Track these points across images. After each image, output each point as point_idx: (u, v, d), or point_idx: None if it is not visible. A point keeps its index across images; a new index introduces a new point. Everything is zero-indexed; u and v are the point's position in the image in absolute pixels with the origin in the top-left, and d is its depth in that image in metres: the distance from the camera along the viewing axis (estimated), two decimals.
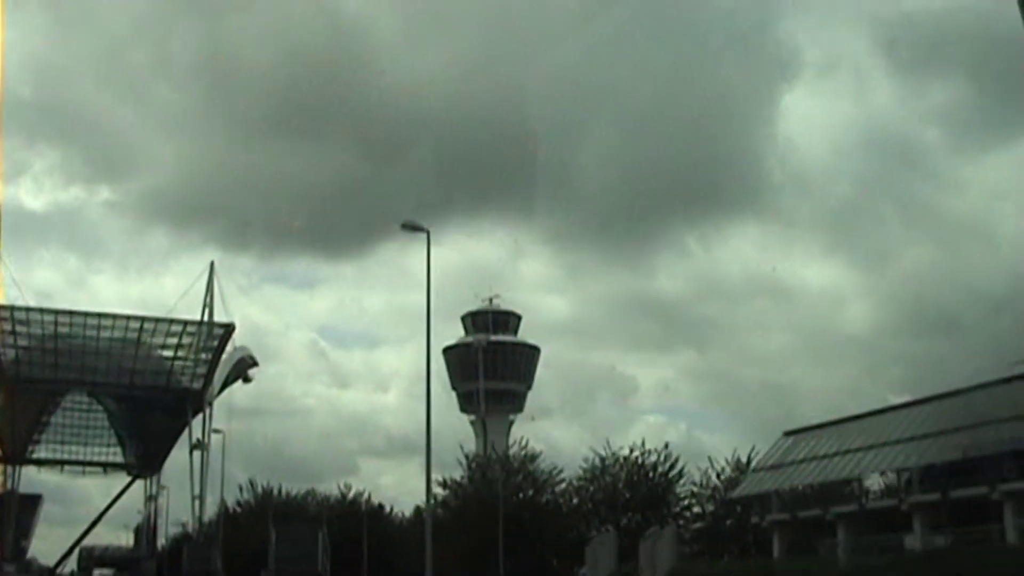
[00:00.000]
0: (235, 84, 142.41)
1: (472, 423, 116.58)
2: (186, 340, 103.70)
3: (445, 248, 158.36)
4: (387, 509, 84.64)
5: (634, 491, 67.03)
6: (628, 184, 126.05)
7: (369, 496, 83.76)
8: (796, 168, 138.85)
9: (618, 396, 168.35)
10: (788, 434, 54.44)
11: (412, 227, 37.23)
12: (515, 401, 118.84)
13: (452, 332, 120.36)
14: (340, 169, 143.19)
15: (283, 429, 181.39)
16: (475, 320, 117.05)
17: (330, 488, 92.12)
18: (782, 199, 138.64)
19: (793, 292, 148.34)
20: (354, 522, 70.64)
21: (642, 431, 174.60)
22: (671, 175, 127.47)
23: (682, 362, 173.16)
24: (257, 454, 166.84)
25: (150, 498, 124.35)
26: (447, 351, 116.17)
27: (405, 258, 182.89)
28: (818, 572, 33.10)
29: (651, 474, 67.24)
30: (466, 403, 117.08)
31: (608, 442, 69.48)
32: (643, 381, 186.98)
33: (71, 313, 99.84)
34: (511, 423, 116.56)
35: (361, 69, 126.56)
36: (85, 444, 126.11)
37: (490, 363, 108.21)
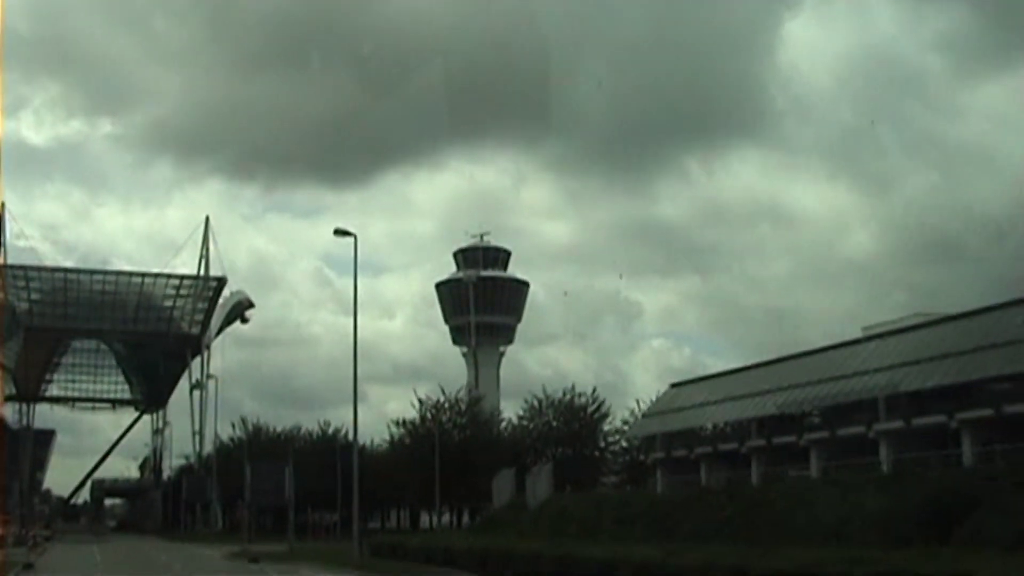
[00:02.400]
0: (236, 14, 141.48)
1: (464, 355, 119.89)
2: (184, 292, 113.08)
3: (448, 174, 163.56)
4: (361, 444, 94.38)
5: (567, 428, 77.07)
6: (631, 111, 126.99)
7: (345, 432, 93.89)
8: (798, 95, 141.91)
9: (622, 321, 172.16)
10: (674, 386, 64.41)
11: (342, 232, 44.85)
12: (505, 334, 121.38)
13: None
14: (342, 98, 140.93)
15: (291, 358, 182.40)
16: (466, 256, 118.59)
17: (335, 416, 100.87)
18: (784, 125, 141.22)
19: (796, 218, 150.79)
20: (332, 455, 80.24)
21: (647, 356, 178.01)
22: (674, 102, 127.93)
23: (686, 287, 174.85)
24: (266, 383, 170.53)
25: (156, 432, 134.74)
26: (439, 286, 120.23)
27: (408, 186, 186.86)
28: (638, 500, 42.37)
29: (581, 413, 77.24)
30: (458, 336, 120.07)
31: (544, 386, 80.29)
32: (647, 306, 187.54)
33: (79, 271, 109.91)
34: (502, 355, 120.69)
35: None
36: (94, 382, 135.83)
37: (480, 298, 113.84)
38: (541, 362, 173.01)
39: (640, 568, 25.37)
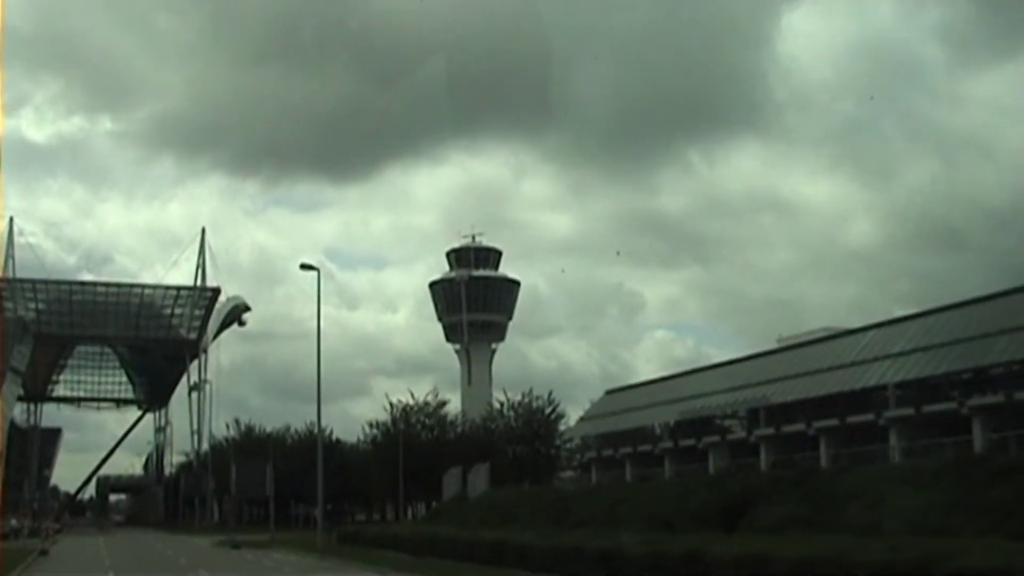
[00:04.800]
0: (236, 9, 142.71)
1: (457, 352, 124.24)
2: (182, 300, 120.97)
3: (450, 167, 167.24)
4: (340, 442, 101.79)
5: (527, 428, 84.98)
6: (631, 103, 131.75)
7: (331, 431, 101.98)
8: (798, 85, 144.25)
9: (625, 312, 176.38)
10: (609, 392, 72.73)
11: (307, 267, 52.05)
12: (496, 331, 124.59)
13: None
14: (343, 93, 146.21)
15: (293, 352, 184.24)
16: (458, 256, 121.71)
17: (337, 410, 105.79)
18: (785, 116, 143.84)
19: (797, 208, 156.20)
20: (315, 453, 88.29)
21: (650, 347, 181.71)
22: (675, 93, 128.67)
23: (688, 278, 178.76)
24: (269, 377, 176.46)
25: (158, 430, 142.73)
26: (432, 285, 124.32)
27: (409, 180, 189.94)
28: (546, 494, 50.13)
29: (539, 415, 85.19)
30: (451, 333, 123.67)
31: (504, 391, 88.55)
32: (649, 297, 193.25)
33: (83, 283, 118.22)
34: (493, 351, 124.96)
35: None
36: (99, 383, 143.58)
37: (472, 297, 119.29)
38: (544, 354, 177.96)
39: (522, 548, 33.01)
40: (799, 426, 49.34)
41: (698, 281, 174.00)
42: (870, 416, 45.61)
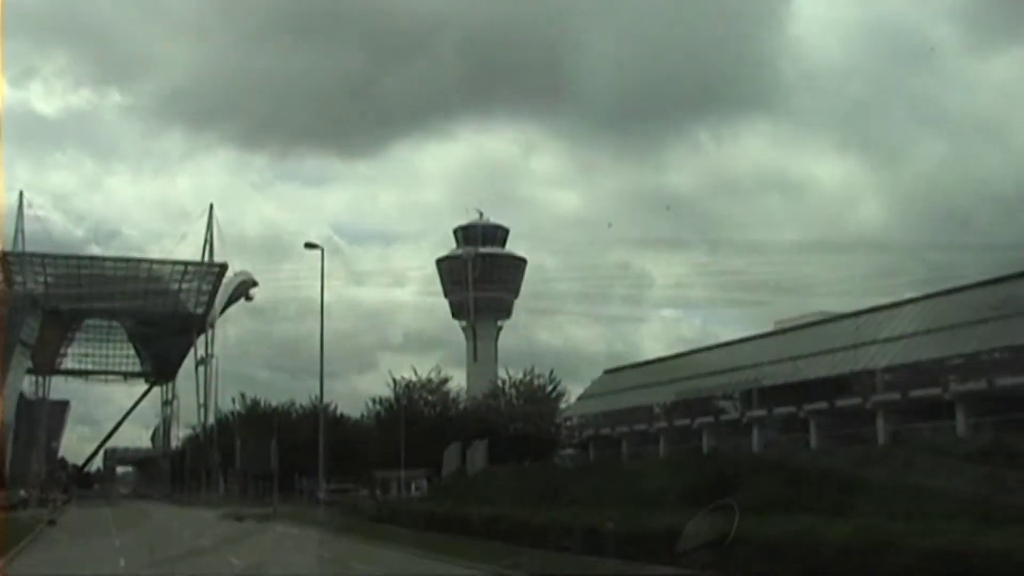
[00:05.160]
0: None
1: (463, 328, 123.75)
2: (189, 276, 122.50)
3: (459, 143, 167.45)
4: (344, 417, 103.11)
5: (528, 406, 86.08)
6: (640, 82, 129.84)
7: (336, 407, 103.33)
8: (808, 66, 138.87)
9: (632, 291, 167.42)
10: (607, 372, 73.85)
11: (311, 246, 53.32)
12: (503, 309, 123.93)
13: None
14: (353, 68, 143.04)
15: (300, 326, 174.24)
16: (465, 233, 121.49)
17: (345, 385, 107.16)
18: (794, 97, 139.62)
19: (805, 189, 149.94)
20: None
21: (658, 327, 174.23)
22: (683, 73, 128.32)
23: (695, 258, 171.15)
24: (276, 351, 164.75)
25: (165, 403, 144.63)
26: (439, 262, 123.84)
27: (418, 155, 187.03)
28: (536, 472, 51.37)
29: (539, 393, 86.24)
30: (457, 310, 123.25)
31: (507, 369, 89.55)
32: (657, 277, 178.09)
33: (91, 257, 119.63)
34: (499, 328, 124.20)
35: None
36: (107, 356, 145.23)
37: (479, 274, 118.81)
38: (552, 332, 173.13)
39: (520, 523, 34.14)
40: (790, 408, 50.41)
41: (706, 261, 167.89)
42: (858, 400, 46.66)
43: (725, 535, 31.42)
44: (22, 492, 76.83)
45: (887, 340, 47.90)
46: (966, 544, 17.44)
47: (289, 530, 46.23)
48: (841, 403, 47.62)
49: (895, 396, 45.47)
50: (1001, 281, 46.03)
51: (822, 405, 48.32)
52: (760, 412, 52.71)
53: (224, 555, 33.14)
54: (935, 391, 43.67)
